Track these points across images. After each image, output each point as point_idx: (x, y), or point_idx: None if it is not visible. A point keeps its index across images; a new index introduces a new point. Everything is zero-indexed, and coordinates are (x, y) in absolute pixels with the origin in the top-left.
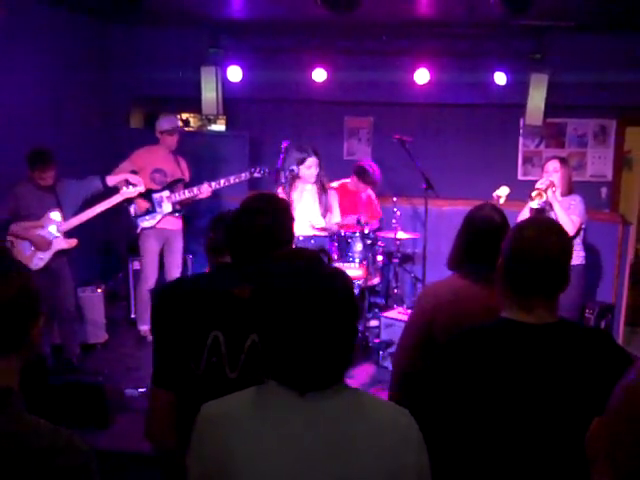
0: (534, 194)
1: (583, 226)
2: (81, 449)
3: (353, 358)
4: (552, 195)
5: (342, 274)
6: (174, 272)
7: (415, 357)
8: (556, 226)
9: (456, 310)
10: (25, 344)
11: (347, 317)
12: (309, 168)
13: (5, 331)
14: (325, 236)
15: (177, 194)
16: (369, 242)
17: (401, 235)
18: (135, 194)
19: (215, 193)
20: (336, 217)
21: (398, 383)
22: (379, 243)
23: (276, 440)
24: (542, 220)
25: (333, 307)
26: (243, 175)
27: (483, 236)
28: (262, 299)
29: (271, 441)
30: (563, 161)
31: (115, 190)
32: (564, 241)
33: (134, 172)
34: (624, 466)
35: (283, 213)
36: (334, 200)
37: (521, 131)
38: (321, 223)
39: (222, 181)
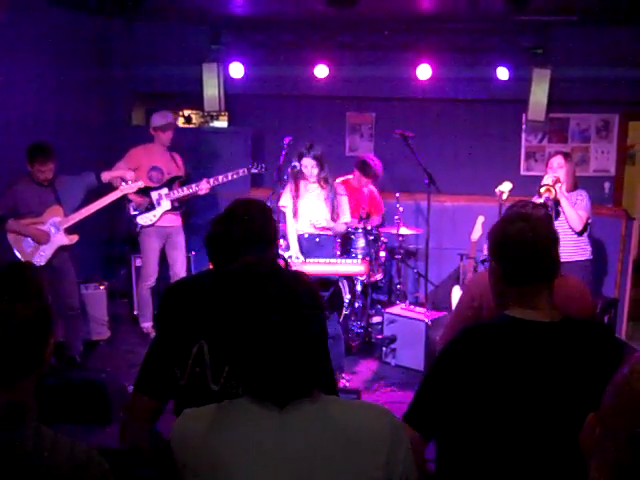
0: (542, 190)
1: (589, 221)
2: (100, 463)
3: (322, 368)
4: (559, 191)
5: (303, 277)
6: (179, 269)
7: None
8: (536, 213)
9: None
10: (42, 362)
11: (309, 322)
12: (305, 167)
13: (26, 353)
14: (330, 235)
15: (175, 191)
16: (372, 238)
17: (404, 231)
18: (134, 189)
19: (214, 190)
20: (346, 217)
21: None
22: (382, 239)
23: (247, 454)
24: (524, 211)
25: (294, 311)
26: (241, 171)
27: None
28: (219, 307)
29: (243, 455)
30: (567, 156)
31: (110, 186)
32: (551, 225)
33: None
34: (617, 462)
35: (261, 218)
36: (345, 203)
37: (524, 126)
38: (322, 222)
39: (220, 177)
